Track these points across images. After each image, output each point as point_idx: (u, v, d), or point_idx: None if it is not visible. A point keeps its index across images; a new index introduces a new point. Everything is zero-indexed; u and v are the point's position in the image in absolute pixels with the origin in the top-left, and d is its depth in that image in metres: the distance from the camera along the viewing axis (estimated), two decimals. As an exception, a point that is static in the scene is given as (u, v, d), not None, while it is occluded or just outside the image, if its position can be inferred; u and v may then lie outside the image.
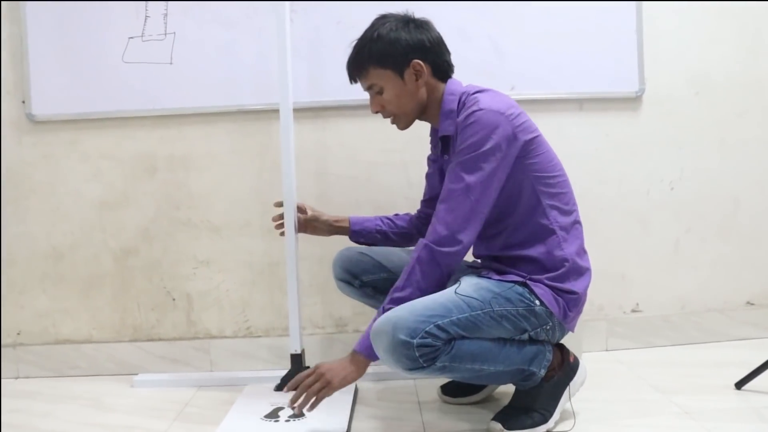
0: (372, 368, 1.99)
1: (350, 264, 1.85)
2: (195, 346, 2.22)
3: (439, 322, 1.48)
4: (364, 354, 1.55)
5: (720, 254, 2.29)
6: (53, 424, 1.83)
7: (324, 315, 2.22)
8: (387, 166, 2.18)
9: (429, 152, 1.90)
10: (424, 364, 1.48)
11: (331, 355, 1.92)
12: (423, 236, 1.60)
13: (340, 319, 2.22)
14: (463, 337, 1.52)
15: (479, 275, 1.65)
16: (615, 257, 2.22)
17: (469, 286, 1.58)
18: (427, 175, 1.91)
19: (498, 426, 1.61)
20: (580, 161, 2.11)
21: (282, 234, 1.93)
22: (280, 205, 1.93)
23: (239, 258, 2.21)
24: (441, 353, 1.49)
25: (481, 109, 1.57)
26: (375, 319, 1.55)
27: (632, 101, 2.21)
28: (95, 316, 2.24)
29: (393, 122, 1.74)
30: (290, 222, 1.90)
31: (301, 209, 1.94)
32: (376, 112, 1.73)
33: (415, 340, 1.45)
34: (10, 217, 2.21)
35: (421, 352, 1.46)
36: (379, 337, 1.49)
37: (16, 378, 2.24)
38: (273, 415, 1.75)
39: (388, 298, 1.58)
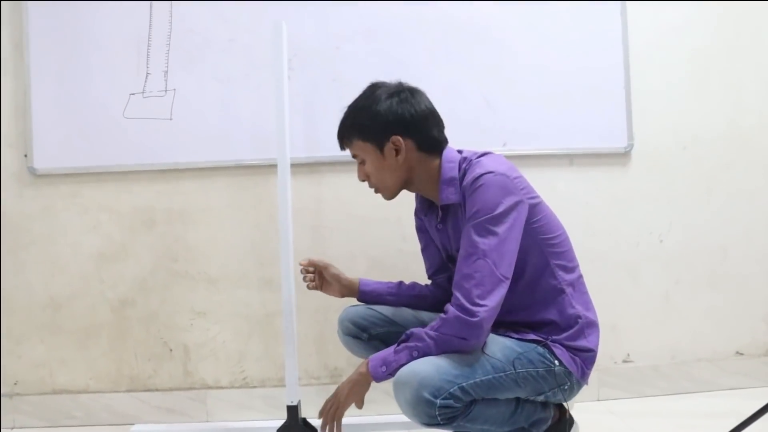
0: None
1: (358, 318, 1.84)
2: (191, 396, 2.24)
3: (464, 384, 1.50)
4: (371, 374, 1.55)
5: (709, 304, 2.33)
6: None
7: (319, 365, 2.25)
8: (381, 221, 2.22)
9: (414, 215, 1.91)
10: (442, 422, 1.50)
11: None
12: (439, 300, 1.62)
13: (335, 369, 2.25)
14: (482, 398, 1.54)
15: (497, 333, 1.65)
16: (606, 308, 2.22)
17: (494, 344, 1.59)
18: (423, 250, 1.90)
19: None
20: (571, 214, 2.12)
21: (309, 288, 1.89)
22: (307, 267, 1.89)
23: (236, 309, 2.24)
24: (460, 414, 1.52)
25: (490, 172, 1.55)
26: (395, 351, 1.55)
27: (621, 156, 2.27)
28: (92, 366, 2.26)
29: (376, 192, 1.74)
30: (288, 275, 1.92)
31: (323, 266, 1.88)
32: (362, 181, 1.73)
33: (438, 401, 1.47)
34: (9, 268, 2.24)
35: (441, 412, 1.48)
36: (403, 389, 1.49)
37: (12, 429, 2.25)
38: None
39: (419, 331, 1.55)
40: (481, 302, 1.49)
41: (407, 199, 1.94)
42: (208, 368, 2.25)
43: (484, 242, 1.52)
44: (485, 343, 1.59)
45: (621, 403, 2.26)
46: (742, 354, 2.35)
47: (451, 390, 1.48)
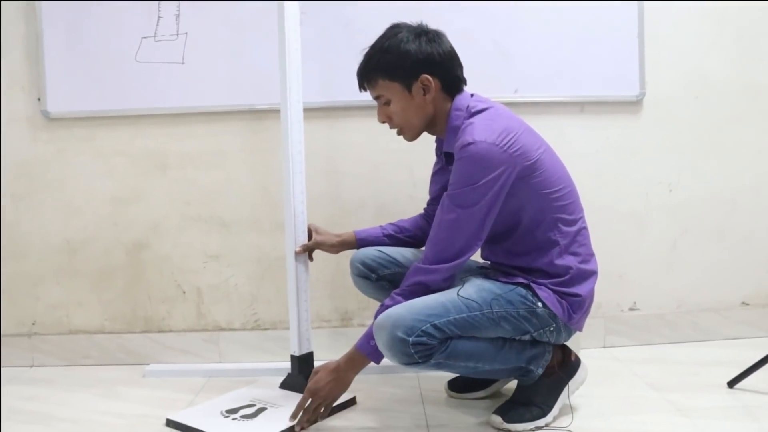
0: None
1: (368, 259, 1.90)
2: (204, 337, 2.29)
3: (436, 322, 1.55)
4: (364, 353, 1.65)
5: (716, 255, 2.35)
6: (69, 412, 1.89)
7: (331, 309, 2.29)
8: (392, 166, 2.24)
9: (434, 152, 1.95)
10: (419, 360, 1.56)
11: (336, 348, 1.98)
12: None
13: (346, 312, 2.29)
14: (460, 336, 1.59)
15: (486, 276, 1.71)
16: (613, 257, 2.28)
17: (471, 287, 1.64)
18: (433, 175, 1.95)
19: (498, 419, 1.68)
20: (580, 162, 2.14)
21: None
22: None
23: (248, 253, 2.27)
24: (436, 351, 1.56)
25: (473, 143, 1.56)
26: (376, 316, 1.62)
27: (633, 105, 2.27)
28: (107, 307, 2.30)
29: (399, 134, 1.77)
30: (292, 225, 1.92)
31: (313, 229, 1.97)
32: (383, 122, 1.76)
33: (411, 338, 1.53)
34: (24, 212, 2.27)
35: (416, 349, 1.54)
36: (379, 332, 1.57)
37: (31, 366, 2.30)
38: (233, 411, 1.81)
39: (388, 298, 1.66)
40: (447, 264, 1.62)
41: (419, 146, 1.97)
42: (220, 310, 2.30)
43: (460, 211, 1.59)
44: (464, 285, 1.64)
45: (626, 350, 2.30)
46: (747, 304, 2.37)
47: (423, 327, 1.54)
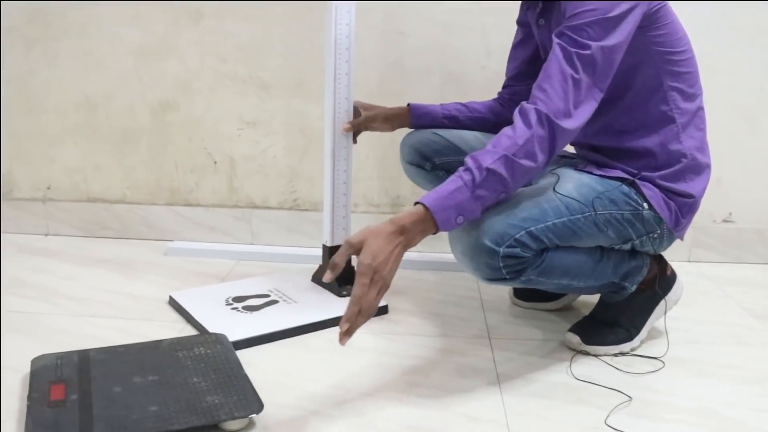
0: (428, 254, 1.77)
1: (421, 145, 1.60)
2: (235, 215, 2.03)
3: (533, 228, 1.23)
4: (437, 220, 1.12)
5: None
6: (76, 289, 1.67)
7: (380, 192, 1.99)
8: (464, 30, 1.89)
9: (514, 17, 1.60)
10: (507, 276, 1.23)
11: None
12: (505, 122, 1.30)
13: (398, 197, 1.99)
14: (557, 246, 1.28)
15: (576, 168, 1.39)
16: (713, 157, 1.93)
17: (569, 182, 1.31)
18: (514, 47, 1.61)
19: (576, 339, 1.40)
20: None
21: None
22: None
23: (290, 121, 1.97)
24: (529, 266, 1.25)
25: None
26: (471, 193, 1.15)
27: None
28: (129, 174, 2.04)
29: None
30: (330, 90, 1.60)
31: (354, 111, 1.64)
32: None
33: (501, 249, 1.20)
34: (39, 60, 1.99)
35: (506, 263, 1.21)
36: (460, 237, 1.24)
37: (46, 235, 2.08)
38: (240, 299, 1.57)
39: (487, 152, 1.17)
40: (574, 114, 1.18)
41: (495, 8, 1.62)
42: (255, 185, 2.02)
43: (585, 50, 1.18)
44: (559, 179, 1.31)
45: (715, 266, 1.98)
46: None
47: (518, 236, 1.21)
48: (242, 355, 1.32)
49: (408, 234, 1.11)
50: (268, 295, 1.59)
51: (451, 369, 1.33)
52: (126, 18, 1.94)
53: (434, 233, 1.14)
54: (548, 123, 1.16)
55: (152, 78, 1.97)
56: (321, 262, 1.69)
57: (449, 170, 1.53)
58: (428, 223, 1.12)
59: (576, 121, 1.19)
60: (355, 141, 1.66)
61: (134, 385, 1.16)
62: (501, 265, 1.21)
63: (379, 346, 1.41)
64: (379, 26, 1.88)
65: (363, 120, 1.62)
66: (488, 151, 1.15)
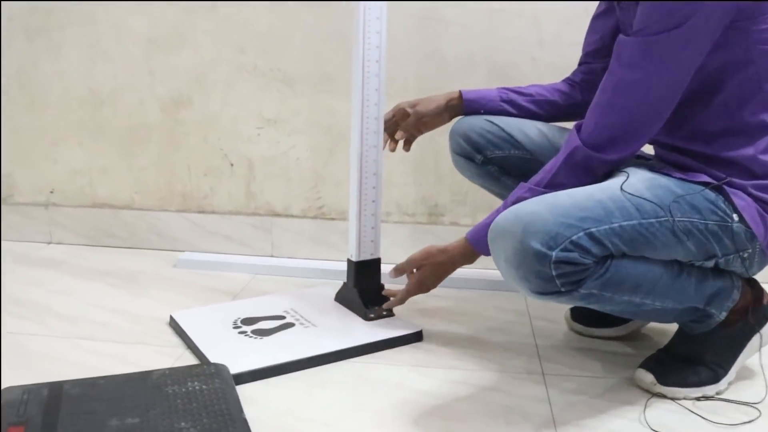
0: (471, 270, 1.57)
1: (473, 134, 1.37)
2: (254, 223, 1.82)
3: (594, 230, 0.99)
4: (477, 250, 1.22)
5: None
6: (71, 307, 1.47)
7: (416, 200, 1.76)
8: (513, 17, 1.65)
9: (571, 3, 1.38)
10: (562, 289, 1.00)
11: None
12: (575, 107, 1.12)
13: (436, 206, 1.76)
14: (623, 255, 1.03)
15: (652, 169, 1.14)
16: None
17: (640, 181, 1.07)
18: (596, 17, 1.36)
19: (649, 377, 1.14)
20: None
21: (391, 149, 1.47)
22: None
23: (315, 119, 1.75)
24: (590, 276, 1.00)
25: None
26: (499, 211, 1.10)
27: None
28: (138, 177, 1.85)
29: None
30: (358, 83, 1.36)
31: (401, 114, 1.43)
32: None
33: (554, 252, 0.97)
34: (41, 52, 1.81)
35: (560, 270, 0.98)
36: (502, 238, 1.02)
37: (49, 243, 1.90)
38: (250, 321, 1.35)
39: (523, 188, 1.14)
40: (624, 143, 1.10)
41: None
42: (276, 190, 1.81)
43: (648, 66, 1.03)
44: (628, 177, 1.07)
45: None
46: None
47: (574, 237, 0.98)
48: (245, 390, 1.11)
49: (456, 266, 1.29)
50: (283, 317, 1.37)
51: (495, 412, 1.09)
52: (135, 5, 1.75)
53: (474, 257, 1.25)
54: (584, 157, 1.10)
55: (163, 71, 1.78)
56: (346, 279, 1.46)
57: (502, 166, 1.38)
58: (472, 257, 1.25)
59: (630, 150, 1.11)
60: (407, 148, 1.46)
61: (108, 429, 0.95)
62: (554, 273, 0.98)
63: (409, 381, 1.18)
64: (415, 12, 1.66)
65: (413, 120, 1.41)
66: (538, 174, 1.16)
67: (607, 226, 0.99)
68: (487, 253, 1.11)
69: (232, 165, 1.81)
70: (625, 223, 1.01)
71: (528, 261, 0.98)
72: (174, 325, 1.34)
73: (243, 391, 1.10)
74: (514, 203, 1.08)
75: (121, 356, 1.24)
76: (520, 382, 1.18)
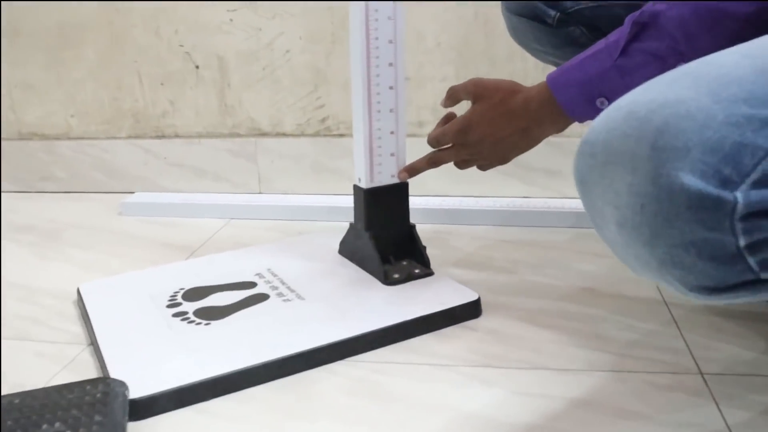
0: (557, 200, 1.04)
1: None
2: (232, 148, 1.30)
3: None
4: (558, 101, 0.74)
5: None
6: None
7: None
8: None
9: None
10: (762, 274, 0.42)
11: (453, 173, 0.93)
12: None
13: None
14: None
15: None
16: None
17: None
18: None
19: None
20: None
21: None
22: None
23: (307, -7, 1.21)
24: None
25: None
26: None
27: None
28: (73, 94, 1.34)
29: None
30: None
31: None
32: None
33: (738, 193, 0.41)
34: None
35: (755, 237, 0.41)
36: (607, 167, 0.46)
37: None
38: (193, 295, 0.83)
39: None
40: None
41: None
42: (261, 100, 1.28)
43: None
44: None
45: None
46: None
47: None
48: (164, 424, 0.60)
49: (535, 121, 0.77)
50: (253, 284, 0.86)
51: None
52: None
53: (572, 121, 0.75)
54: None
55: (94, -61, 1.26)
56: (354, 219, 0.93)
57: (591, 25, 0.87)
58: (551, 107, 0.75)
59: None
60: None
61: None
62: (741, 242, 0.42)
63: (460, 390, 0.66)
64: None
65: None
66: None
67: None
68: (575, 112, 0.74)
69: (197, 67, 1.28)
70: None
71: (678, 219, 0.43)
72: (81, 305, 0.84)
73: (158, 425, 0.59)
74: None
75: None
76: (663, 395, 0.65)
